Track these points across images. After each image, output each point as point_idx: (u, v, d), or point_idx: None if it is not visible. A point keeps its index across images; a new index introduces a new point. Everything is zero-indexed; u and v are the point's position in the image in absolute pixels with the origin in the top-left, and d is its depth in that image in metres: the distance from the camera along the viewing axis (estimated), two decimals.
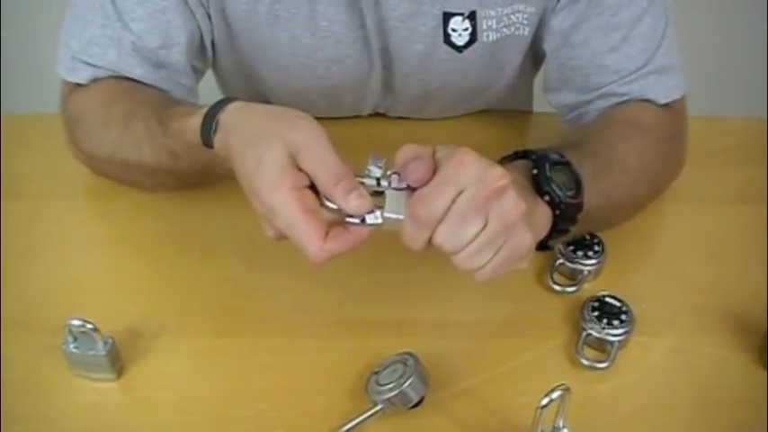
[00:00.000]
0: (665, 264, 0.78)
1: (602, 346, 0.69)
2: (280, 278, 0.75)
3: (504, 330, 0.71)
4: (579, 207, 0.67)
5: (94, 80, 0.78)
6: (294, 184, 0.55)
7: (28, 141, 0.89)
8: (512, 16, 0.79)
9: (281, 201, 0.54)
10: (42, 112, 0.91)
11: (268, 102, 0.93)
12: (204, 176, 0.71)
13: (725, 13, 1.75)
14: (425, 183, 0.55)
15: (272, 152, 0.55)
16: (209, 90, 0.94)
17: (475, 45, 0.81)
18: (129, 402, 0.67)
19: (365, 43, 0.81)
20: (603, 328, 0.68)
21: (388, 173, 0.57)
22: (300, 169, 0.55)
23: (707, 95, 1.49)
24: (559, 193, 0.65)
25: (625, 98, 0.79)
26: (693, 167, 0.87)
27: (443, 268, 0.76)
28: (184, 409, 0.65)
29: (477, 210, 0.54)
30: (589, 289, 0.73)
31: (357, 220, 0.56)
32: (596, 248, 0.75)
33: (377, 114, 0.96)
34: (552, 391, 0.56)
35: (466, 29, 0.80)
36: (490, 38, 0.81)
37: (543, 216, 0.65)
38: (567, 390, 0.56)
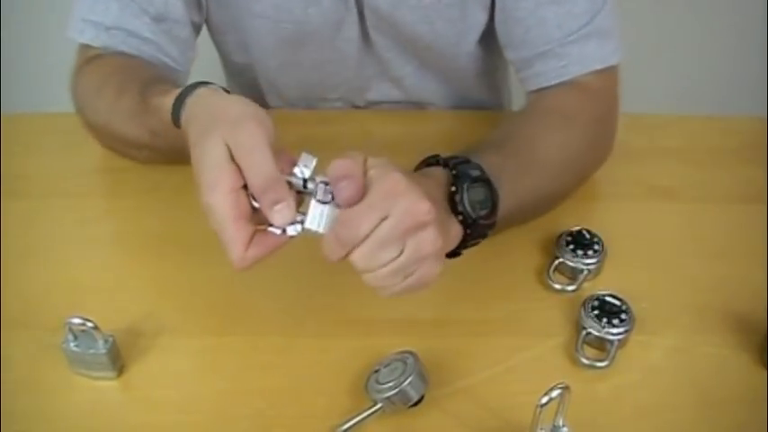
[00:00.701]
0: (665, 263, 0.78)
1: (601, 345, 0.69)
2: (280, 277, 0.75)
3: (504, 329, 0.71)
4: (491, 226, 0.67)
5: (105, 47, 0.81)
6: (232, 185, 0.55)
7: (28, 141, 0.89)
8: None
9: (215, 203, 0.55)
10: (42, 112, 0.91)
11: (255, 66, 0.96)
12: (184, 155, 0.71)
13: (725, 13, 1.75)
14: (353, 204, 0.56)
15: (213, 151, 0.55)
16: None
17: None
18: (130, 401, 0.67)
19: None
20: (603, 327, 0.68)
21: (317, 179, 0.57)
22: None
23: (707, 95, 1.50)
24: (473, 215, 0.65)
25: (563, 63, 0.79)
26: (693, 167, 0.88)
27: (443, 268, 0.76)
28: (185, 408, 0.65)
29: (397, 238, 0.56)
30: (589, 288, 0.73)
31: (278, 231, 0.57)
32: (596, 247, 0.75)
33: (371, 115, 0.96)
34: (552, 389, 0.56)
35: None
36: None
37: (455, 232, 0.65)
38: (566, 388, 0.56)
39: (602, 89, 0.81)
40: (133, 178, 0.83)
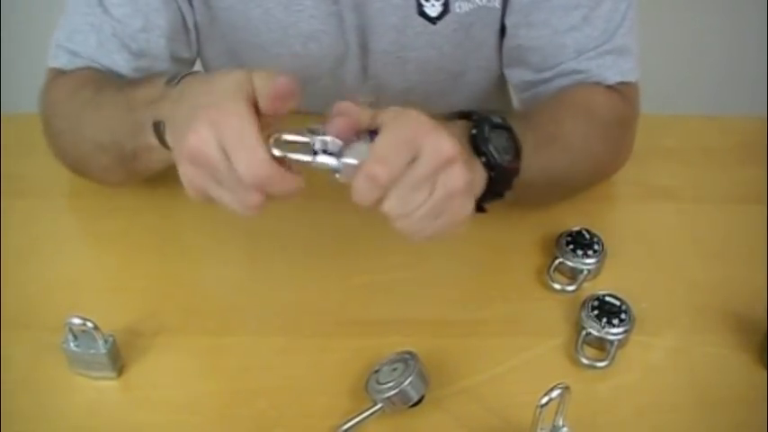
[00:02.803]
0: (665, 263, 0.78)
1: (601, 345, 0.69)
2: (280, 277, 0.75)
3: (504, 329, 0.71)
4: (515, 172, 0.67)
5: (74, 69, 0.79)
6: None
7: (28, 141, 0.89)
8: None
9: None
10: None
11: None
12: (153, 163, 0.71)
13: (725, 13, 1.75)
14: (344, 134, 0.56)
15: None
16: None
17: (448, 17, 0.81)
18: (130, 401, 0.67)
19: (339, 18, 0.82)
20: (603, 327, 0.68)
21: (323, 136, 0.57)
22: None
23: (707, 95, 1.50)
24: (496, 155, 0.65)
25: (583, 76, 0.80)
26: (693, 167, 0.88)
27: (443, 268, 0.76)
28: (185, 408, 0.65)
29: (428, 178, 0.56)
30: (589, 288, 0.73)
31: (308, 158, 0.56)
32: (596, 247, 0.75)
33: None
34: (552, 389, 0.56)
35: None
36: (462, 9, 0.81)
37: (479, 177, 0.65)
38: (566, 389, 0.56)
39: (626, 96, 0.81)
40: None
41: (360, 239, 0.78)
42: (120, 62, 0.79)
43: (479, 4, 0.81)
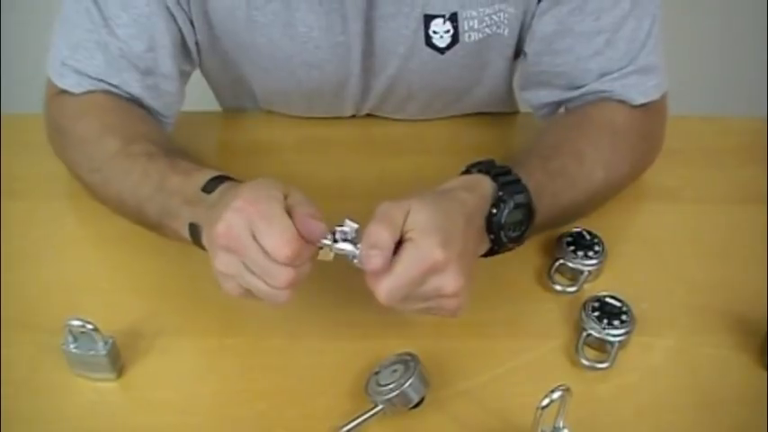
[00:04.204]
0: (665, 264, 0.78)
1: (602, 346, 0.69)
2: None
3: (505, 331, 0.71)
4: (516, 246, 0.69)
5: (85, 92, 0.78)
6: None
7: (28, 141, 0.89)
8: (493, 16, 0.79)
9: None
10: (42, 112, 0.91)
11: (254, 99, 0.94)
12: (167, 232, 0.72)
13: (725, 13, 1.74)
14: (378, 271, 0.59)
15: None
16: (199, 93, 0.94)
17: (457, 46, 0.81)
18: (130, 402, 0.67)
19: (346, 48, 0.81)
20: (604, 329, 0.68)
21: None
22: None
23: (707, 95, 1.50)
24: (504, 239, 0.66)
25: (606, 94, 0.79)
26: (693, 167, 0.88)
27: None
28: (185, 409, 0.65)
29: (423, 300, 0.61)
30: (589, 289, 0.73)
31: (329, 242, 0.60)
32: (596, 248, 0.75)
33: (369, 115, 0.96)
34: (552, 391, 0.56)
35: (447, 31, 0.79)
36: (472, 38, 0.80)
37: (481, 249, 0.67)
38: (567, 390, 0.56)
39: (651, 110, 0.81)
40: None
41: None
42: (130, 81, 0.79)
43: (489, 33, 0.80)
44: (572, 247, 0.75)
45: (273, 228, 0.57)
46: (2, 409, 0.64)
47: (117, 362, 0.66)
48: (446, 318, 0.62)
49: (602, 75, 0.79)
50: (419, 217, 0.59)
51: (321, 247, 0.60)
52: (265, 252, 0.57)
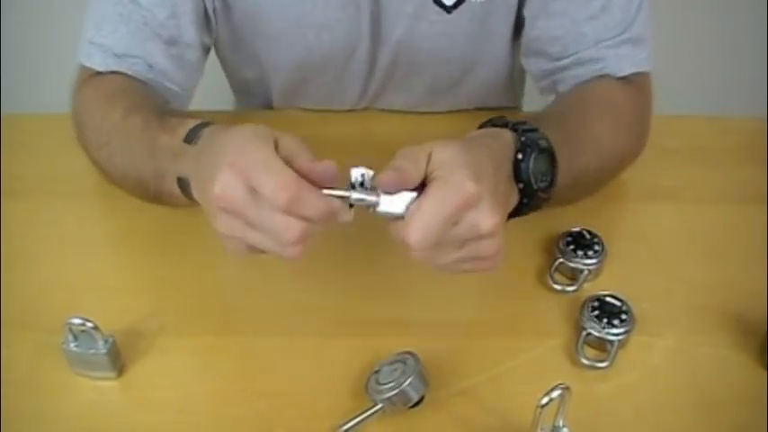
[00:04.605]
0: (665, 264, 0.78)
1: (602, 345, 0.69)
2: (280, 278, 0.75)
3: (505, 330, 0.71)
4: (547, 200, 0.67)
5: (110, 72, 0.79)
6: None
7: (28, 141, 0.89)
8: None
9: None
10: (42, 112, 0.91)
11: (266, 80, 0.95)
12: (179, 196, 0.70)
13: (725, 13, 1.75)
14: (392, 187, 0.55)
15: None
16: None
17: (463, 6, 0.81)
18: (130, 401, 0.67)
19: (355, 7, 0.82)
20: (604, 328, 0.68)
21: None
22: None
23: (707, 95, 1.50)
24: (534, 185, 0.65)
25: (600, 65, 0.80)
26: (693, 167, 0.88)
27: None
28: (185, 408, 0.65)
29: (459, 245, 0.57)
30: (589, 288, 0.73)
31: (346, 193, 0.55)
32: (596, 248, 0.75)
33: (376, 114, 0.96)
34: (552, 390, 0.56)
35: None
36: None
37: (513, 201, 0.65)
38: (566, 389, 0.56)
39: (641, 88, 0.82)
40: None
41: (360, 240, 0.78)
42: (154, 51, 0.79)
43: None
44: (572, 247, 0.75)
45: (270, 173, 0.53)
46: (2, 408, 0.64)
47: (117, 361, 0.67)
48: (484, 272, 0.59)
49: (597, 42, 0.80)
50: (444, 155, 0.56)
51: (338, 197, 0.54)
52: (268, 206, 0.53)
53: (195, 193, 0.62)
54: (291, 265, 0.75)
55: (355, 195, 0.55)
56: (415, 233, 0.54)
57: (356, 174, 0.55)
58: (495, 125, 0.69)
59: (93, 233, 0.81)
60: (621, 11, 0.79)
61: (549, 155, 0.66)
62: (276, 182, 0.53)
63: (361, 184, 0.55)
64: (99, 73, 0.80)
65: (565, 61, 0.82)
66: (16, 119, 0.92)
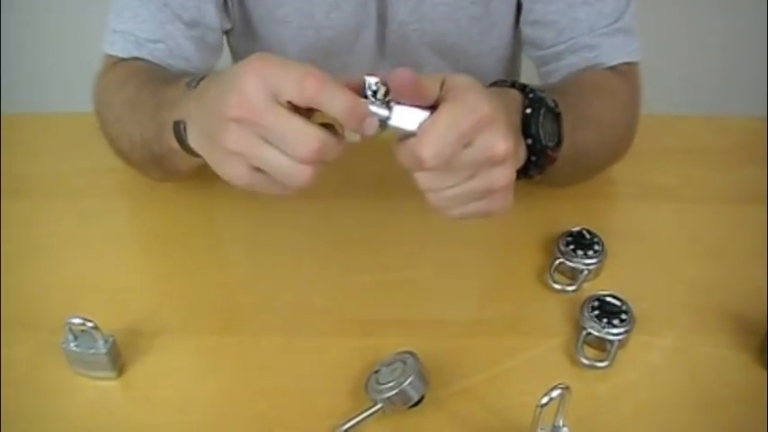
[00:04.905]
0: (665, 263, 0.78)
1: (602, 345, 0.69)
2: (280, 277, 0.75)
3: (504, 329, 0.71)
4: (552, 161, 0.67)
5: (132, 57, 0.79)
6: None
7: (28, 141, 0.89)
8: None
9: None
10: (42, 111, 0.91)
11: None
12: (186, 165, 0.69)
13: (725, 12, 1.74)
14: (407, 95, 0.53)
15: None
16: None
17: None
18: (130, 401, 0.67)
19: None
20: (603, 328, 0.68)
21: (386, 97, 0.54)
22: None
23: (707, 95, 1.50)
24: (543, 142, 0.64)
25: (594, 53, 0.81)
26: (693, 167, 0.88)
27: (443, 268, 0.76)
28: (185, 408, 0.65)
29: (469, 167, 0.55)
30: (589, 288, 0.73)
31: (357, 137, 0.54)
32: (596, 248, 0.75)
33: None
34: (552, 390, 0.56)
35: None
36: None
37: (520, 155, 0.64)
38: (566, 389, 0.56)
39: (630, 78, 0.83)
40: (133, 178, 0.83)
41: (359, 240, 0.78)
42: (175, 33, 0.79)
43: None
44: (572, 246, 0.75)
45: (295, 66, 0.51)
46: (2, 408, 0.64)
47: (117, 360, 0.67)
48: (494, 214, 0.57)
49: (592, 28, 0.81)
50: (458, 80, 0.55)
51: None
52: (287, 113, 0.51)
53: (191, 136, 0.60)
54: (292, 265, 0.75)
55: (370, 107, 0.53)
56: (429, 147, 0.52)
57: (371, 81, 0.53)
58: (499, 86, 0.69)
59: (93, 233, 0.81)
60: (614, 0, 0.80)
61: (556, 116, 0.66)
62: (301, 71, 0.51)
63: (374, 95, 0.53)
64: (122, 60, 0.80)
65: (560, 47, 0.82)
66: (16, 119, 0.92)
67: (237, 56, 0.99)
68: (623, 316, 0.69)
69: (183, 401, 0.66)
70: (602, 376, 0.67)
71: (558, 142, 0.67)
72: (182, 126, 0.62)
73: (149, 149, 0.71)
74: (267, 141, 0.52)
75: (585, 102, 0.76)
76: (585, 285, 0.74)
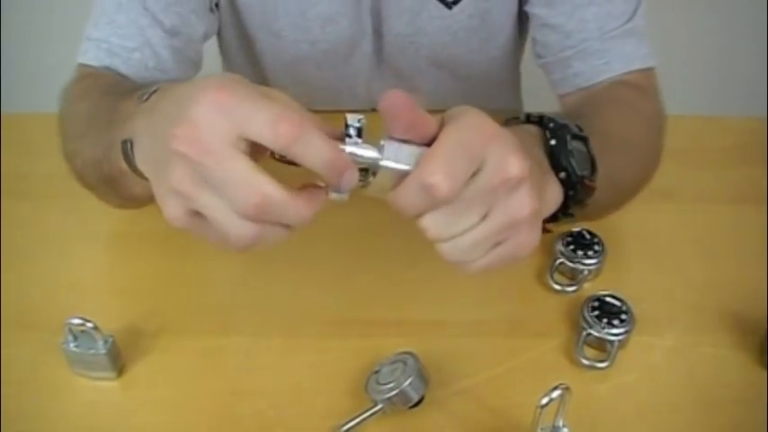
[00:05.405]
0: (665, 264, 0.78)
1: (602, 345, 0.69)
2: (280, 278, 0.75)
3: (504, 330, 0.71)
4: (592, 191, 0.60)
5: (104, 66, 0.75)
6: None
7: (28, 141, 0.89)
8: None
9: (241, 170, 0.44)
10: (42, 111, 0.91)
11: (267, 82, 0.95)
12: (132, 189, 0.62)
13: (724, 12, 1.75)
14: (404, 130, 0.45)
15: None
16: None
17: (464, 2, 0.81)
18: (130, 401, 0.67)
19: (356, 1, 0.82)
20: (603, 328, 0.68)
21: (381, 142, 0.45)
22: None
23: (707, 95, 1.50)
24: (578, 171, 0.57)
25: (604, 60, 0.77)
26: (693, 167, 0.88)
27: (443, 268, 0.76)
28: (184, 409, 0.65)
29: (481, 199, 0.47)
30: (589, 288, 0.74)
31: (344, 195, 0.45)
32: (596, 248, 0.75)
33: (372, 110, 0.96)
34: (552, 390, 0.56)
35: None
36: None
37: (553, 194, 0.58)
38: (566, 389, 0.56)
39: (651, 87, 0.79)
40: None
41: (360, 240, 0.78)
42: (154, 39, 0.74)
43: None
44: (572, 247, 0.75)
45: (268, 103, 0.43)
46: (2, 408, 0.64)
47: (117, 361, 0.67)
48: (522, 256, 0.50)
49: (602, 31, 0.76)
50: (459, 109, 0.48)
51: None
52: (236, 157, 0.43)
53: (138, 155, 0.53)
54: (292, 264, 0.75)
55: (350, 149, 0.44)
56: (439, 168, 0.44)
57: (353, 119, 0.45)
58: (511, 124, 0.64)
59: (93, 233, 0.81)
60: (623, 2, 0.77)
61: (584, 141, 0.60)
62: (274, 112, 0.43)
63: (358, 134, 0.44)
64: (90, 74, 0.75)
65: (567, 52, 0.78)
66: (16, 119, 0.92)
67: (229, 61, 0.98)
68: (623, 316, 0.69)
69: (182, 402, 0.66)
70: (602, 377, 0.67)
71: (593, 169, 0.60)
72: (128, 145, 0.55)
73: (100, 170, 0.64)
74: (211, 184, 0.45)
75: (607, 122, 0.71)
76: (586, 285, 0.74)
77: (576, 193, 0.58)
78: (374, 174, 0.45)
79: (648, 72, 0.79)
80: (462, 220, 0.47)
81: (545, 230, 0.59)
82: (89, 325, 0.63)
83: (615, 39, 0.77)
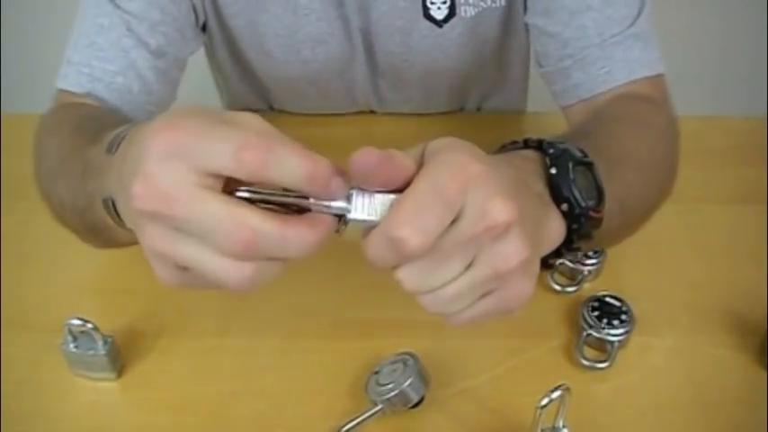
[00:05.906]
0: (665, 264, 0.78)
1: (602, 345, 0.69)
2: (280, 278, 0.74)
3: (504, 330, 0.71)
4: (599, 222, 0.54)
5: (85, 92, 0.72)
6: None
7: (28, 141, 0.89)
8: None
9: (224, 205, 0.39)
10: (42, 112, 0.91)
11: (266, 95, 0.95)
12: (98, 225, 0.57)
13: (725, 13, 1.75)
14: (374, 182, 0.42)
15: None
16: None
17: (454, 20, 0.81)
18: (129, 402, 0.67)
19: (345, 22, 0.82)
20: (603, 328, 0.68)
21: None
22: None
23: (707, 95, 1.50)
24: (582, 202, 0.52)
25: (606, 69, 0.71)
26: (693, 167, 0.87)
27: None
28: (184, 409, 0.65)
29: (462, 247, 0.42)
30: (589, 289, 0.74)
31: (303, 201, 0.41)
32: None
33: (371, 112, 0.96)
34: (552, 390, 0.56)
35: (444, 2, 0.80)
36: (468, 13, 0.81)
37: (555, 231, 0.53)
38: (567, 390, 0.56)
39: (661, 96, 0.73)
40: None
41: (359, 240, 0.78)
42: (139, 61, 0.72)
43: (484, 6, 0.81)
44: None
45: (223, 131, 0.39)
46: (2, 409, 0.64)
47: (117, 361, 0.67)
48: (510, 309, 0.47)
49: (602, 37, 0.71)
50: (439, 143, 0.44)
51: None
52: (208, 197, 0.39)
53: (123, 215, 0.48)
54: (291, 265, 0.75)
55: (315, 199, 0.41)
56: (406, 221, 0.40)
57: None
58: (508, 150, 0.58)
59: None
60: (625, 6, 0.72)
61: (587, 166, 0.54)
62: (235, 142, 0.38)
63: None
64: (70, 103, 0.72)
65: (567, 62, 0.73)
66: (16, 119, 0.92)
67: (225, 79, 0.97)
68: (623, 316, 0.69)
69: (182, 402, 0.66)
70: (602, 377, 0.67)
71: (600, 198, 0.54)
72: (110, 203, 0.51)
73: (83, 219, 0.60)
74: (189, 234, 0.40)
75: (615, 140, 0.64)
76: (586, 286, 0.74)
77: (581, 226, 0.53)
78: (345, 222, 0.42)
79: (656, 79, 0.73)
80: (441, 271, 0.44)
81: (547, 267, 0.56)
82: (89, 325, 0.63)
83: (617, 45, 0.72)
